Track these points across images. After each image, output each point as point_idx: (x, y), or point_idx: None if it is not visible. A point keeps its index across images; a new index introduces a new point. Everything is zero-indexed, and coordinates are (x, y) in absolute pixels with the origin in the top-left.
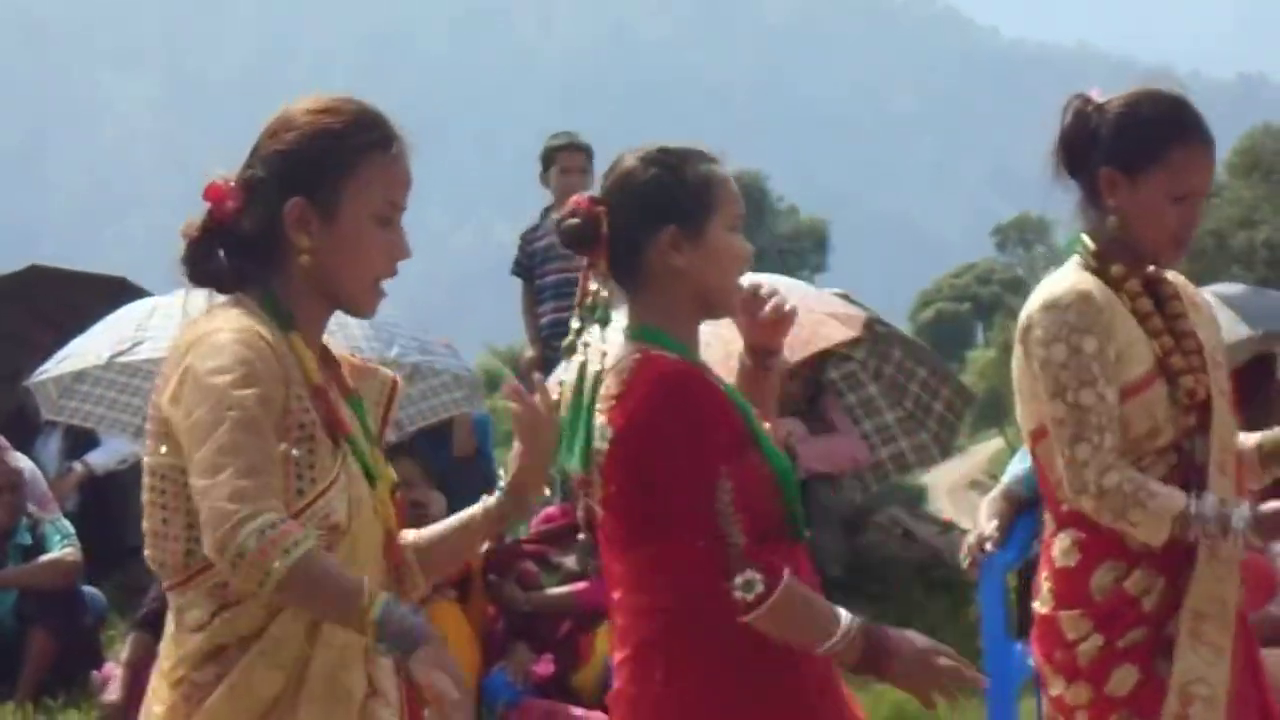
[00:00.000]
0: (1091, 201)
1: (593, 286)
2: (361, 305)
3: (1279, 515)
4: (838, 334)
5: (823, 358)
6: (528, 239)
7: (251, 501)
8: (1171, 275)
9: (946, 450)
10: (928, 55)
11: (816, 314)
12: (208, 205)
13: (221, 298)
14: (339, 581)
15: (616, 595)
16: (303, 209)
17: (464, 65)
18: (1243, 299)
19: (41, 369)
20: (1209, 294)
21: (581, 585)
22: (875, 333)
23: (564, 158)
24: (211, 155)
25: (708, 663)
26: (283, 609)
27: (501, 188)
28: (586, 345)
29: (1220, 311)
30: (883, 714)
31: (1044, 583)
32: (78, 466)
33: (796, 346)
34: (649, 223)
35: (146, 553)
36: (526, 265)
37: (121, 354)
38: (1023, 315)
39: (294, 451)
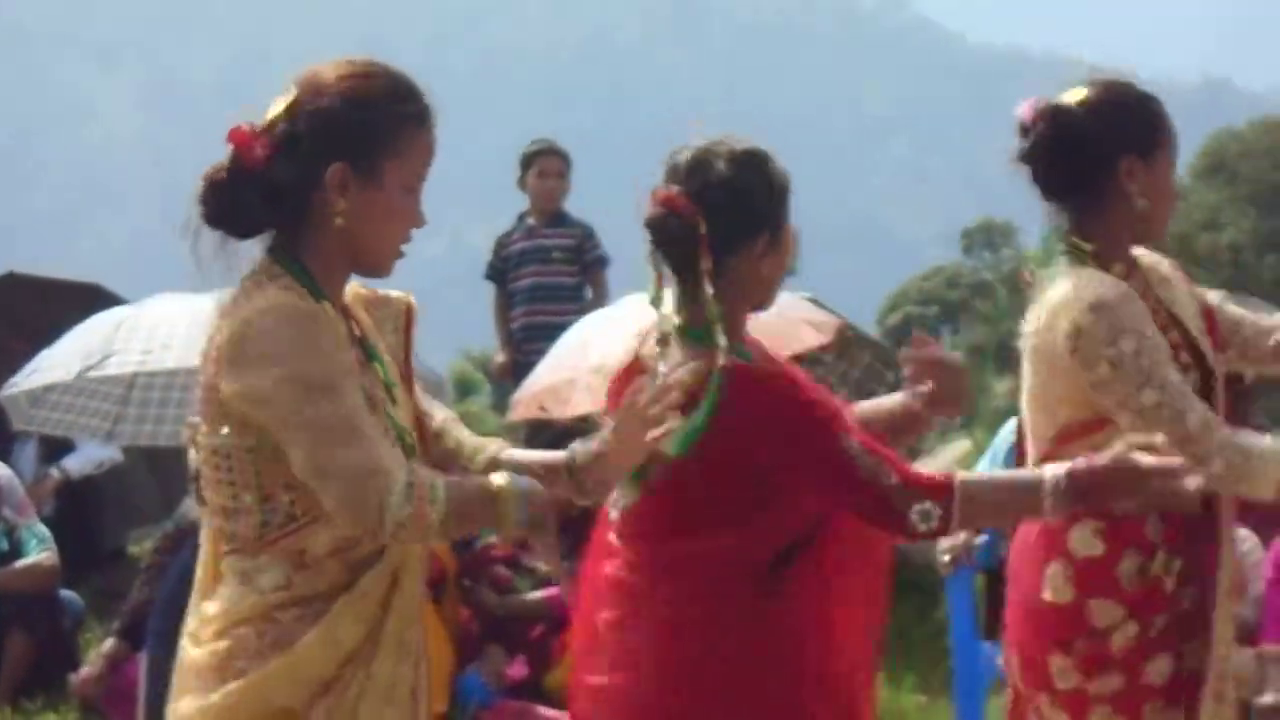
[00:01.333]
0: (1097, 198)
1: (709, 291)
2: (384, 269)
3: None
4: (811, 339)
5: (795, 361)
6: (502, 243)
7: (375, 473)
8: (1140, 257)
9: (914, 453)
10: (898, 60)
11: (790, 319)
12: (233, 149)
13: (242, 274)
14: (478, 498)
15: (628, 579)
16: (344, 173)
17: (437, 67)
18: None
19: (11, 382)
20: None
21: (554, 590)
22: (845, 337)
23: (542, 161)
24: (191, 156)
25: (736, 649)
26: (365, 566)
27: (474, 192)
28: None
29: None
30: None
31: (1053, 573)
32: (54, 472)
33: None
34: (747, 228)
35: (216, 524)
36: (500, 269)
37: (90, 368)
38: (1066, 324)
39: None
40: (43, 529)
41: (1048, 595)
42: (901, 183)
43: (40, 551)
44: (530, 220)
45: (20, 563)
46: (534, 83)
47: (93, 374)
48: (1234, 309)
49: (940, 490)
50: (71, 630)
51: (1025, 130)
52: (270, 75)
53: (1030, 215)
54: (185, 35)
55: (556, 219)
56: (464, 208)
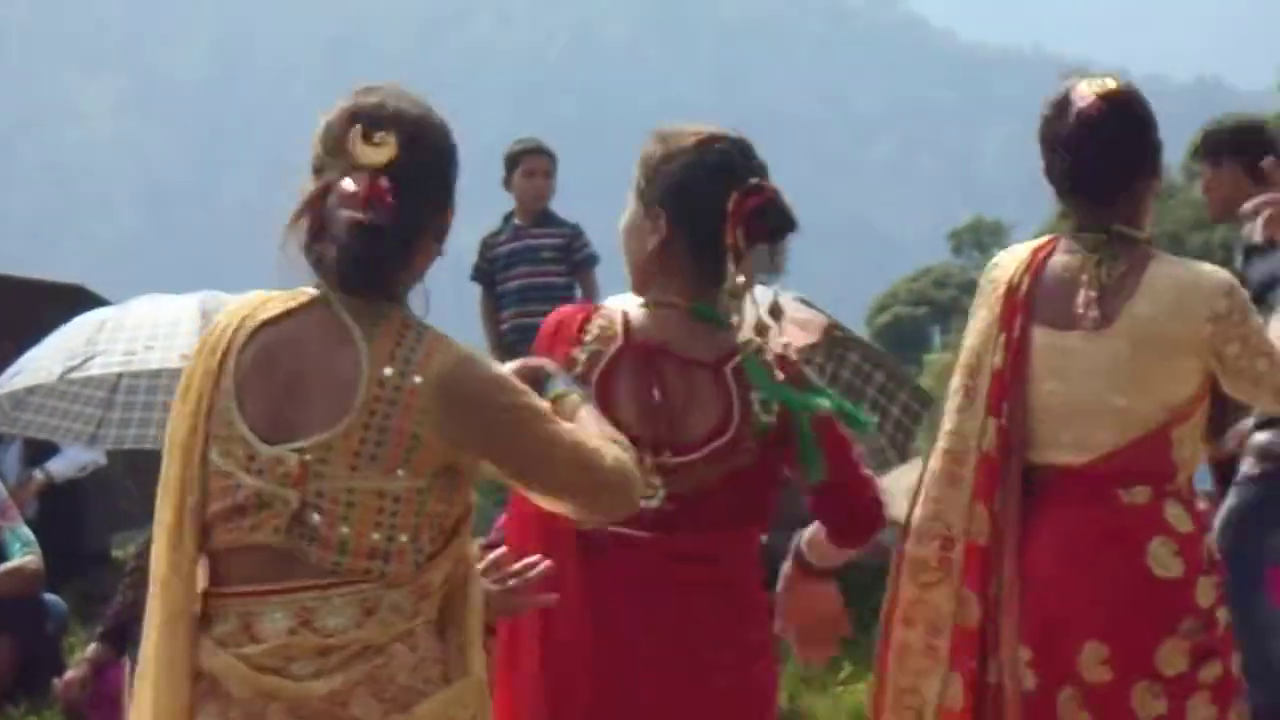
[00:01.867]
0: (1145, 185)
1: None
2: None
3: None
4: (799, 339)
5: None
6: (489, 244)
7: (622, 459)
8: None
9: (904, 454)
10: (887, 58)
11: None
12: (360, 202)
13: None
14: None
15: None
16: (451, 209)
17: (421, 66)
18: None
19: None
20: None
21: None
22: (833, 337)
23: (528, 161)
24: (173, 156)
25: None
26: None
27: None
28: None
29: None
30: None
31: (1157, 547)
32: (38, 474)
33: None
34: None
35: (344, 562)
36: (487, 271)
37: (73, 369)
38: (1205, 311)
39: None
40: (27, 532)
41: (1157, 571)
42: (890, 182)
43: (24, 555)
44: (517, 221)
45: (4, 566)
46: (518, 81)
47: (75, 375)
48: None
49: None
50: (55, 634)
51: (1091, 121)
52: (253, 75)
53: (1020, 214)
54: (167, 35)
55: (544, 218)
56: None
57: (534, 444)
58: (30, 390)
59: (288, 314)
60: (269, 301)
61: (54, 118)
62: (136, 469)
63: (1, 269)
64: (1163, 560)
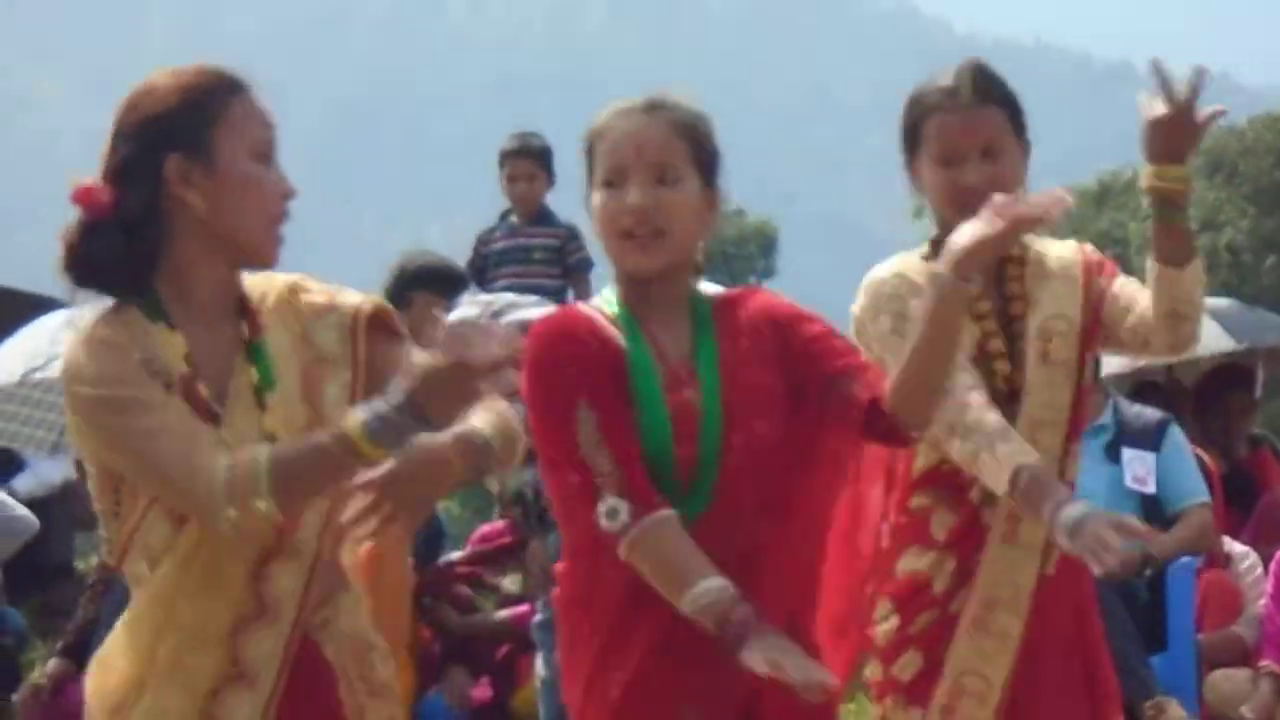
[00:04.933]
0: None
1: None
2: (263, 251)
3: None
4: None
5: None
6: (484, 240)
7: (198, 472)
8: (1032, 252)
9: None
10: (879, 50)
11: None
12: (82, 208)
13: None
14: (314, 453)
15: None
16: (180, 163)
17: (395, 57)
18: (1228, 313)
19: None
20: None
21: (522, 609)
22: None
23: (511, 164)
24: None
25: None
26: (156, 592)
27: (433, 186)
28: None
29: (1205, 323)
30: None
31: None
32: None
33: None
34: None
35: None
36: (479, 267)
37: (36, 370)
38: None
39: None
40: None
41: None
42: (880, 178)
43: None
44: (513, 218)
45: None
46: (493, 76)
47: (38, 375)
48: (1131, 290)
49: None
50: (14, 649)
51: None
52: (219, 61)
53: None
54: (128, 24)
55: (539, 218)
56: (423, 203)
57: (111, 446)
58: None
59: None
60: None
61: (8, 111)
62: None
63: None
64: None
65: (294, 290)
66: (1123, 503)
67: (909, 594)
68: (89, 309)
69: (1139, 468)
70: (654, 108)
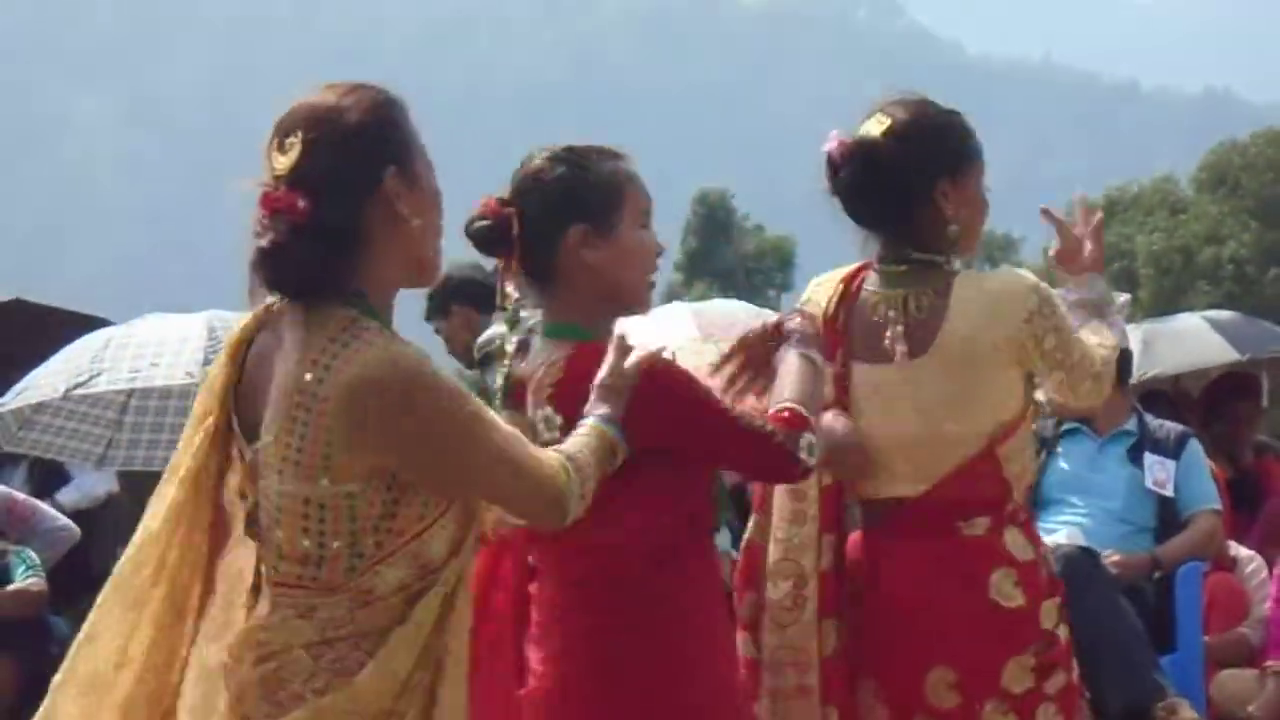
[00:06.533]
0: (910, 223)
1: (510, 291)
2: (436, 271)
3: None
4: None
5: None
6: None
7: (554, 472)
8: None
9: None
10: (893, 72)
11: None
12: (273, 213)
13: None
14: (600, 453)
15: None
16: (397, 178)
17: (422, 82)
18: (1232, 325)
19: (0, 401)
20: (1199, 318)
21: None
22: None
23: None
24: (173, 172)
25: None
26: (420, 599)
27: (462, 205)
28: (505, 350)
29: (1209, 337)
30: None
31: (999, 579)
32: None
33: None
34: (559, 221)
35: (283, 569)
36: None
37: (79, 386)
38: (1022, 313)
39: None
40: (31, 554)
41: (997, 599)
42: None
43: (27, 576)
44: None
45: (8, 588)
46: (520, 99)
47: (80, 392)
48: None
49: (801, 420)
50: (58, 656)
51: (835, 167)
52: (253, 90)
53: (1028, 227)
54: (166, 50)
55: None
56: (454, 223)
57: (447, 453)
58: (36, 409)
59: (258, 329)
60: (243, 324)
61: (51, 133)
62: (136, 488)
63: (2, 287)
64: (1005, 591)
65: None
66: (1141, 502)
67: (1063, 599)
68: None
69: (1159, 472)
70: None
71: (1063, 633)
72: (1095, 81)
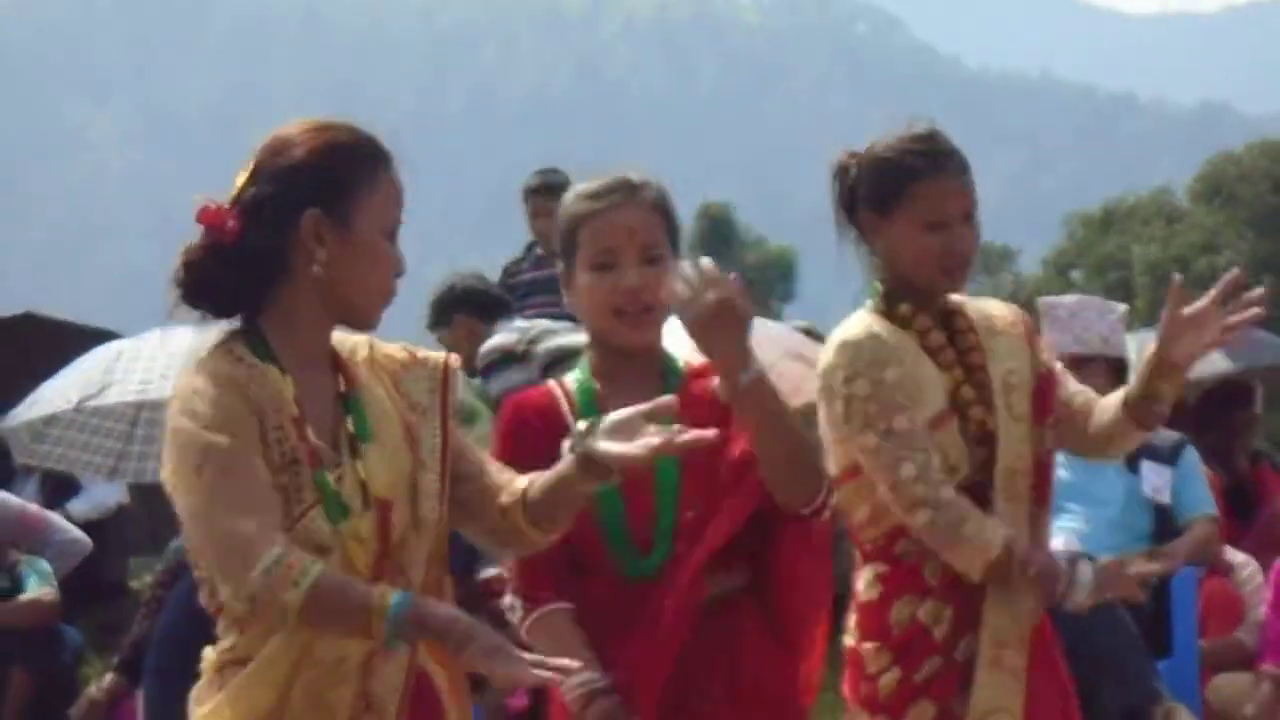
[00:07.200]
0: (880, 241)
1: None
2: (370, 317)
3: (1112, 570)
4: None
5: None
6: (510, 271)
7: (248, 544)
8: (972, 308)
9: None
10: (893, 85)
11: (798, 363)
12: (205, 228)
13: (205, 330)
14: (351, 597)
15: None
16: (318, 220)
17: (427, 99)
18: None
19: (12, 413)
20: None
21: None
22: None
23: (532, 201)
24: (183, 187)
25: None
26: (276, 631)
27: (469, 220)
28: None
29: None
30: None
31: (851, 616)
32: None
33: (786, 394)
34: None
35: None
36: (508, 298)
37: (90, 398)
38: (820, 363)
39: (282, 479)
40: (44, 564)
41: (845, 638)
42: None
43: (40, 587)
44: (539, 250)
45: (21, 598)
46: (525, 113)
47: (91, 404)
48: (1075, 385)
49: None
50: (71, 665)
51: (839, 175)
52: (262, 108)
53: (1026, 240)
54: (177, 68)
55: None
56: (460, 236)
57: (180, 490)
58: (48, 422)
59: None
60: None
61: (64, 150)
62: (148, 499)
63: (13, 301)
64: (850, 629)
65: (373, 347)
66: (1137, 509)
67: (907, 642)
68: (201, 335)
69: (1156, 479)
70: (633, 190)
71: (889, 679)
72: (1093, 94)
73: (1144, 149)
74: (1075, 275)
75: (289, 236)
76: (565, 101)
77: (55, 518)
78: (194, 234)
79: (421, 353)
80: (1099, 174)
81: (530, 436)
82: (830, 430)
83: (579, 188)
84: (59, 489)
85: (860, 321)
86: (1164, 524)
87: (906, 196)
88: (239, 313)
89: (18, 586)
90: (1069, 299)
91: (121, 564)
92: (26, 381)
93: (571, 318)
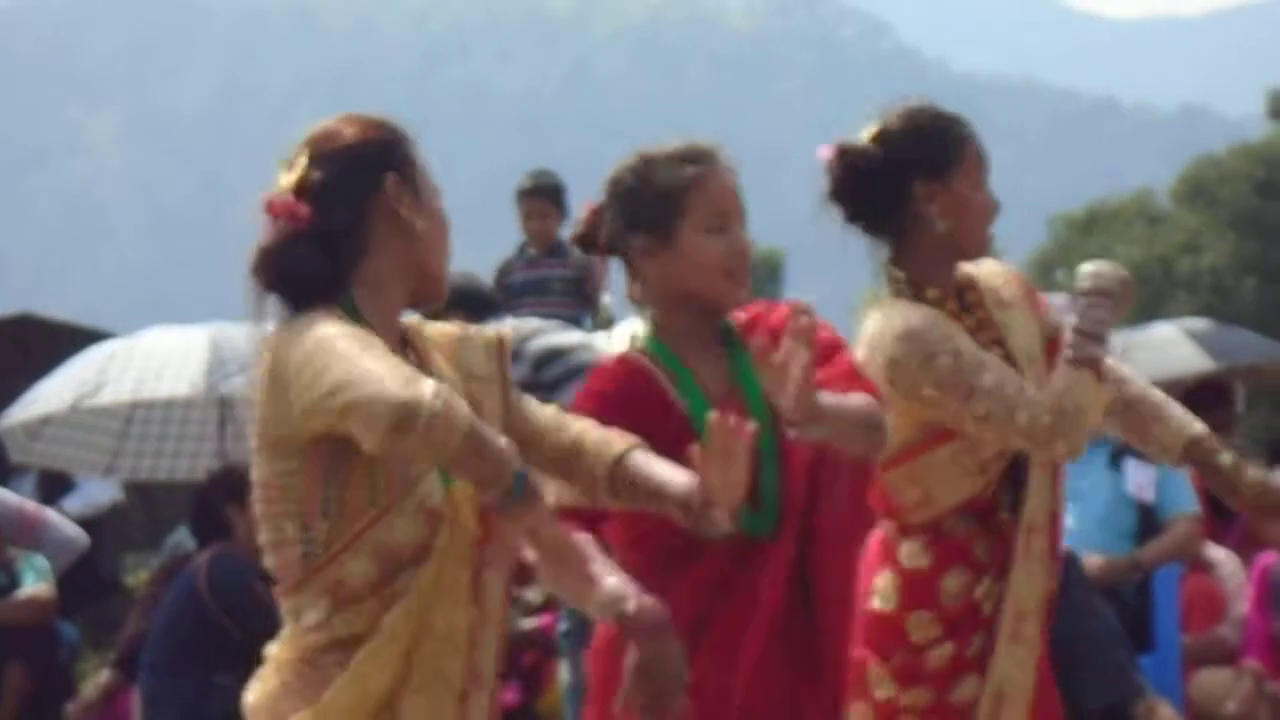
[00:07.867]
0: (900, 227)
1: (605, 299)
2: (442, 288)
3: None
4: None
5: None
6: (503, 271)
7: (410, 379)
8: (982, 282)
9: None
10: (878, 89)
11: None
12: (275, 219)
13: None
14: (495, 446)
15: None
16: (398, 182)
17: (420, 100)
18: (1207, 334)
19: (8, 412)
20: (1175, 327)
21: (546, 618)
22: None
23: (525, 204)
24: (177, 188)
25: None
26: (395, 604)
27: (459, 220)
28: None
29: (1184, 346)
30: None
31: (882, 583)
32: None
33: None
34: (624, 230)
35: (266, 563)
36: (500, 298)
37: (86, 397)
38: (882, 359)
39: None
40: (41, 560)
41: (876, 604)
42: None
43: (37, 583)
44: (531, 251)
45: (18, 595)
46: (516, 114)
47: (87, 403)
48: (1127, 370)
49: None
50: (67, 661)
51: (827, 172)
52: (256, 108)
53: (1012, 241)
54: (171, 68)
55: (555, 250)
56: (453, 237)
57: (330, 372)
58: (44, 421)
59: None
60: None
61: (58, 150)
62: (145, 497)
63: (10, 301)
64: (884, 594)
65: (421, 324)
66: (1121, 507)
67: (959, 616)
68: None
69: (1140, 477)
70: (719, 155)
71: (941, 653)
72: (1076, 98)
73: (1126, 151)
74: (1059, 275)
75: (368, 207)
76: (554, 105)
77: (52, 514)
78: (252, 231)
79: (471, 328)
80: (1082, 175)
81: (620, 401)
82: (894, 417)
83: (661, 154)
84: (54, 486)
85: (901, 311)
86: (1148, 521)
87: (960, 158)
88: (321, 298)
89: (14, 583)
90: (1053, 298)
91: (116, 562)
92: (23, 381)
93: (571, 318)
